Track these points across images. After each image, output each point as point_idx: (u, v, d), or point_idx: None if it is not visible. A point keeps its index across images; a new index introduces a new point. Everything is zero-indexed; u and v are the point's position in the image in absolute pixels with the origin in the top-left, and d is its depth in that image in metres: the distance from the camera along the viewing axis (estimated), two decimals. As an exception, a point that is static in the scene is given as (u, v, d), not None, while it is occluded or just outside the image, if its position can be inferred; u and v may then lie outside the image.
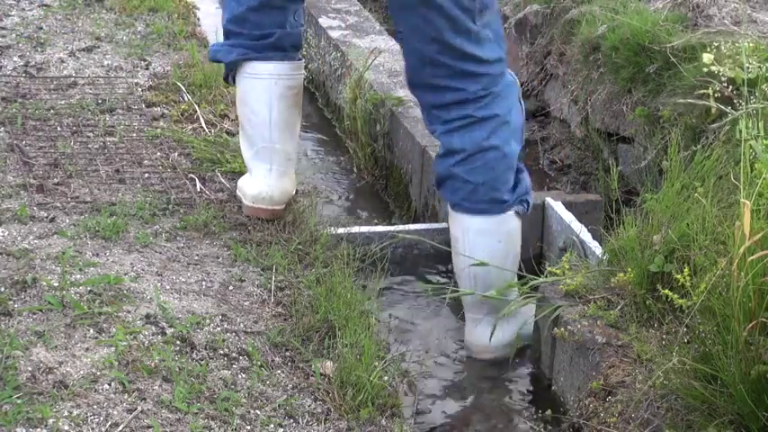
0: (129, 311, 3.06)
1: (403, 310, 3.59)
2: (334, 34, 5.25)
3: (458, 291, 3.34)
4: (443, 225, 3.92)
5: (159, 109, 4.40)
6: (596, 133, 4.44)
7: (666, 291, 2.83)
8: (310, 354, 3.01)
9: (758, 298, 2.46)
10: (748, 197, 2.56)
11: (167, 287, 3.21)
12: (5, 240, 3.37)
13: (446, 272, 3.79)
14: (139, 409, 2.70)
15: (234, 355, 2.97)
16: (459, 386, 3.25)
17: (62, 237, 3.41)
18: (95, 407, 2.70)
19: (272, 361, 2.98)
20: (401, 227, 3.93)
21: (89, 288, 3.13)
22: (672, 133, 3.68)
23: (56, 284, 3.13)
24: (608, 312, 2.99)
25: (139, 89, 4.56)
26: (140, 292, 3.15)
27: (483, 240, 3.31)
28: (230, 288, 3.28)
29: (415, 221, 4.14)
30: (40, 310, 3.02)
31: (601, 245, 3.45)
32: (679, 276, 2.76)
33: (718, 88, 3.60)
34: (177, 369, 2.85)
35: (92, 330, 2.96)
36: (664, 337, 2.84)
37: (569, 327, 2.98)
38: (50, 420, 2.63)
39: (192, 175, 3.89)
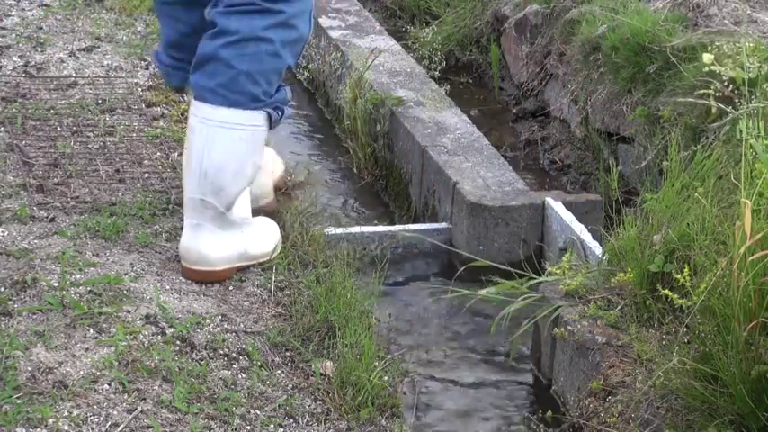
0: (128, 311, 3.06)
1: (403, 310, 3.59)
2: (334, 34, 5.25)
3: (458, 291, 3.34)
4: (443, 225, 3.93)
5: (159, 109, 4.40)
6: (596, 133, 4.44)
7: (666, 291, 2.83)
8: (310, 354, 3.01)
9: (758, 298, 2.46)
10: (748, 197, 2.56)
11: (167, 287, 3.21)
12: (5, 240, 3.37)
13: (446, 272, 3.79)
14: (139, 409, 2.70)
15: (234, 355, 2.97)
16: (459, 386, 3.25)
17: (62, 237, 3.40)
18: (95, 407, 2.70)
19: (272, 361, 2.98)
20: (401, 227, 3.93)
21: (89, 288, 3.13)
22: (672, 133, 3.68)
23: (56, 284, 3.13)
24: (608, 312, 2.99)
25: (139, 89, 4.55)
26: (140, 292, 3.15)
27: (224, 134, 3.15)
28: (230, 288, 3.28)
29: (415, 221, 4.14)
30: (40, 310, 3.02)
31: (601, 245, 3.45)
32: (679, 276, 2.75)
33: (718, 88, 3.60)
34: (177, 369, 2.85)
35: (92, 330, 2.96)
36: (664, 337, 2.84)
37: (569, 327, 2.98)
38: (50, 420, 2.63)
39: (192, 175, 3.89)
